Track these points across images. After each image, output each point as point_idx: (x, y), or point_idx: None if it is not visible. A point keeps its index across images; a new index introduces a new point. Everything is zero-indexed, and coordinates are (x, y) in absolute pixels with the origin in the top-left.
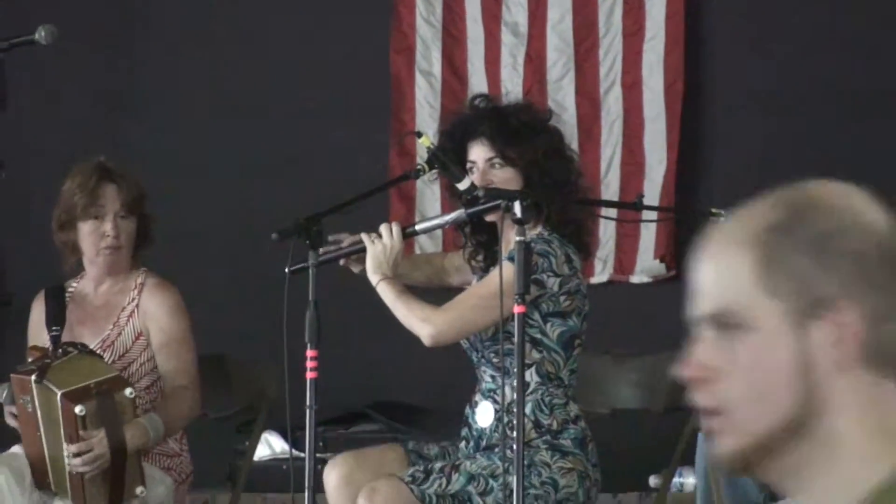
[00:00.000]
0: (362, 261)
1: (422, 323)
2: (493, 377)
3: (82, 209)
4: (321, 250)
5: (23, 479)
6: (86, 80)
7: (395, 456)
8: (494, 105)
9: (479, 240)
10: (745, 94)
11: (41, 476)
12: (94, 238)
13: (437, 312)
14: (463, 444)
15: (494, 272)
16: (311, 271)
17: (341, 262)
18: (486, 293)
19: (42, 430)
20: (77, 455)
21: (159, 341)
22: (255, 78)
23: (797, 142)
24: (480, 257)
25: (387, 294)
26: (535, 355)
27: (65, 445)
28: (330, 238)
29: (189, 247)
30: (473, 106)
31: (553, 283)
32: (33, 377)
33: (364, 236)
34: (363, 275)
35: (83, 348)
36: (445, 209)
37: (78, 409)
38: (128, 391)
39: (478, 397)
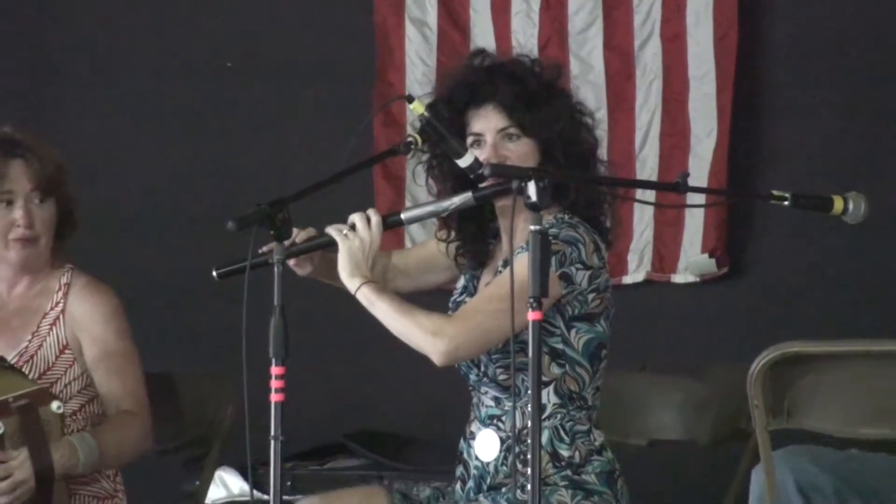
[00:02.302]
0: (313, 261)
1: (432, 338)
2: (497, 399)
3: None
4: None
5: None
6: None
7: (377, 500)
8: (502, 63)
9: (468, 231)
10: (814, 49)
11: None
12: (2, 228)
13: (450, 323)
14: (458, 485)
15: (516, 268)
16: (276, 269)
17: (291, 262)
18: (507, 294)
19: None
20: None
21: (94, 355)
22: (209, 31)
23: (877, 107)
24: (469, 254)
25: (376, 302)
26: (556, 371)
27: None
28: (263, 249)
29: (125, 239)
30: (473, 66)
31: (582, 277)
32: None
33: (333, 230)
34: (312, 278)
35: (1, 362)
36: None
37: None
38: (54, 405)
39: (475, 426)
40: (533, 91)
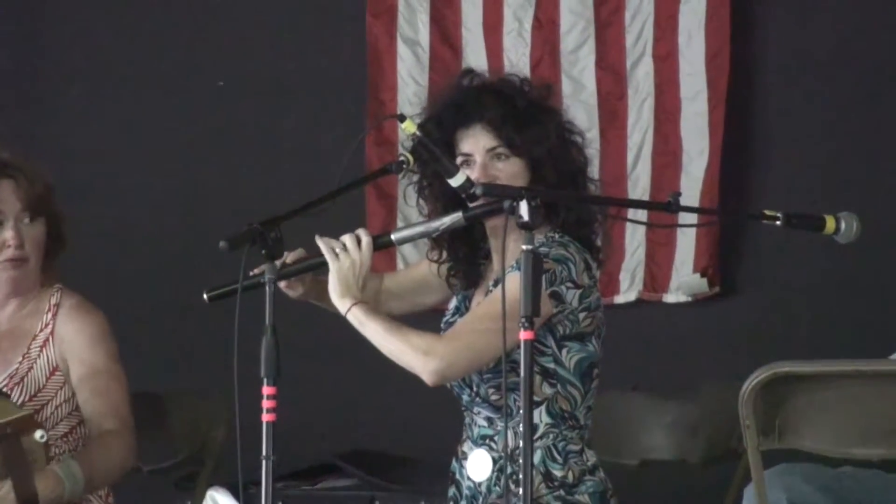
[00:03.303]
0: (304, 282)
1: (423, 357)
2: (489, 420)
3: None
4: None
5: None
6: None
7: None
8: (491, 83)
9: (460, 251)
10: (806, 67)
11: None
12: None
13: (441, 342)
14: None
15: (507, 287)
16: (267, 289)
17: (282, 284)
18: (498, 313)
19: None
20: None
21: (80, 375)
22: (200, 46)
23: (869, 125)
24: (461, 275)
25: (366, 323)
26: (547, 390)
27: None
28: (254, 272)
29: (115, 258)
30: (462, 85)
31: (573, 296)
32: None
33: (323, 246)
34: (303, 301)
35: None
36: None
37: None
38: (38, 434)
39: (467, 447)
40: (521, 110)
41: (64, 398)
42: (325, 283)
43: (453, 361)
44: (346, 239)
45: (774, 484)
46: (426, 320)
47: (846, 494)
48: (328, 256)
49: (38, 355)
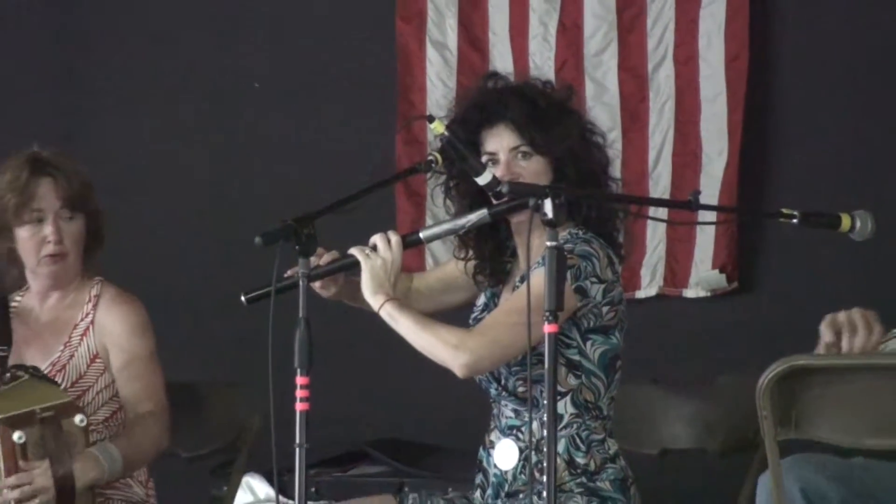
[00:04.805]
0: (337, 282)
1: (454, 351)
2: (516, 411)
3: (15, 212)
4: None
5: None
6: (30, 53)
7: None
8: (514, 85)
9: (486, 249)
10: (824, 69)
11: None
12: (33, 245)
13: (470, 336)
14: (478, 493)
15: (533, 282)
16: (301, 283)
17: (316, 285)
18: (525, 308)
19: None
20: (15, 487)
21: (120, 362)
22: (236, 50)
23: (885, 127)
24: (487, 272)
25: (399, 318)
26: (572, 381)
27: (2, 478)
28: (288, 273)
29: (153, 252)
30: (486, 87)
31: (597, 290)
32: None
33: (356, 251)
34: (336, 301)
35: (35, 372)
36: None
37: (17, 437)
38: (78, 418)
39: (494, 436)
40: (544, 110)
41: (104, 384)
42: (358, 283)
43: (483, 355)
44: (377, 239)
45: (788, 474)
46: (455, 317)
47: (858, 485)
48: (360, 256)
49: (79, 343)
